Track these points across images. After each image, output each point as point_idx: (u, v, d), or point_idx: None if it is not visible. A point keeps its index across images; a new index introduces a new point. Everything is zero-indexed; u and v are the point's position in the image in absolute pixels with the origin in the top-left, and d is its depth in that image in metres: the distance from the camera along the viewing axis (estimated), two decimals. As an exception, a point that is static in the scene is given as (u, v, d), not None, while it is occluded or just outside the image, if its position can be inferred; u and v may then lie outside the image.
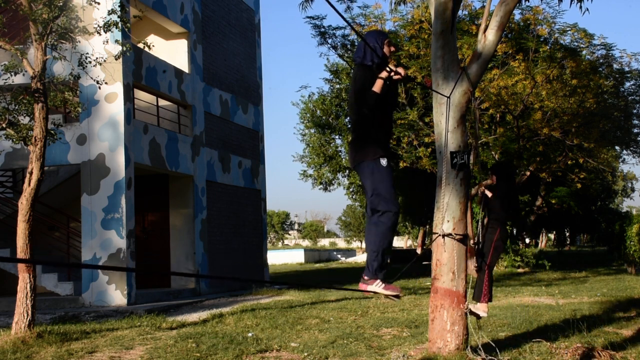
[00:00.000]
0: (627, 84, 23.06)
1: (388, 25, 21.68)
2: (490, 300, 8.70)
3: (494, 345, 7.80)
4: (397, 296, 5.36)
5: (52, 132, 10.78)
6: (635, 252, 22.87)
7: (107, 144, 15.54)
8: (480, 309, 8.11)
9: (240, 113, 21.65)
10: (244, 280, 8.18)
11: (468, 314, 7.78)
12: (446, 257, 7.73)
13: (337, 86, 30.15)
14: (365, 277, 5.26)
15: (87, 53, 11.69)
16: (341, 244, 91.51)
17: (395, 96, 5.50)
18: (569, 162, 22.32)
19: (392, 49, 5.46)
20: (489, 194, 8.81)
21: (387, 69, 5.14)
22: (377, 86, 5.07)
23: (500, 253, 8.70)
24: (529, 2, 18.86)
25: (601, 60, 21.22)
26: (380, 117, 5.21)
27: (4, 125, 10.57)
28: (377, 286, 5.10)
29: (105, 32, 11.01)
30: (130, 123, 15.80)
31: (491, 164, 10.62)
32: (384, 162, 5.12)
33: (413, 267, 31.45)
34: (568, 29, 19.79)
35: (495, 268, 27.85)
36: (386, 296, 5.31)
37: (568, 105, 19.57)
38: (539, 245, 60.58)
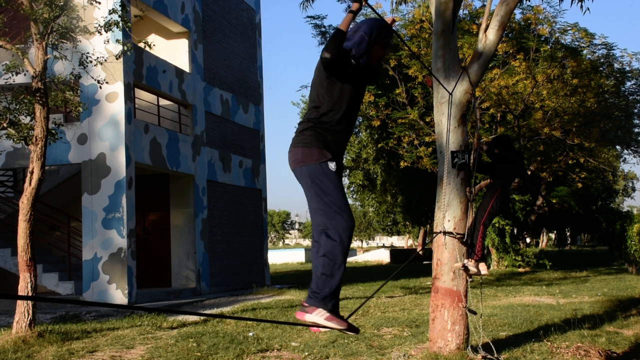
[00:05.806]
0: (628, 84, 23.06)
1: (389, 25, 21.64)
2: (484, 260, 8.44)
3: (493, 346, 7.80)
4: (354, 330, 4.20)
5: (52, 131, 10.77)
6: (636, 251, 22.87)
7: (108, 144, 15.54)
8: (471, 264, 7.79)
9: (240, 112, 21.64)
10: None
11: (463, 270, 7.59)
12: (447, 256, 7.74)
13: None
14: (306, 304, 4.10)
15: (88, 52, 11.69)
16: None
17: (362, 94, 4.36)
18: (570, 162, 22.29)
19: (384, 53, 4.32)
20: (484, 147, 8.72)
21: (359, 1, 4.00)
22: (344, 23, 3.98)
23: (494, 217, 8.48)
24: (529, 1, 18.85)
25: (602, 60, 21.21)
26: (342, 104, 4.15)
27: (5, 125, 10.57)
28: (319, 316, 4.02)
29: (106, 32, 11.01)
30: (131, 122, 15.80)
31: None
32: (332, 165, 4.10)
33: (413, 267, 31.45)
34: (569, 28, 19.77)
35: (495, 267, 27.74)
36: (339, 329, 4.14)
37: (569, 105, 19.53)
38: (540, 244, 60.52)
